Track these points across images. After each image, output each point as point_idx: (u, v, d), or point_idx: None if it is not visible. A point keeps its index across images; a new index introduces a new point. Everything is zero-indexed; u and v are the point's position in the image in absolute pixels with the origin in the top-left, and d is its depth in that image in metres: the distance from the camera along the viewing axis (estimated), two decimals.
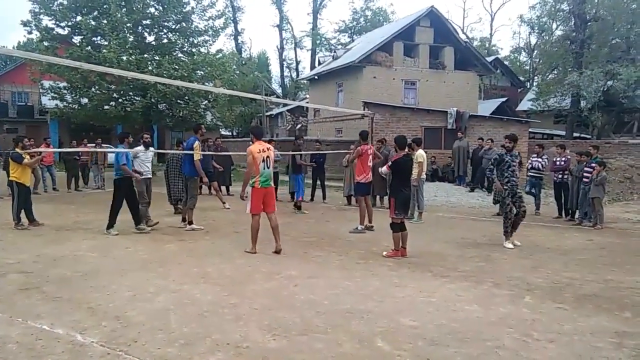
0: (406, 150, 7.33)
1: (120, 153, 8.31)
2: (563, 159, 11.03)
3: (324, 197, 13.29)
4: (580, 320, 4.51)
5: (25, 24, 22.40)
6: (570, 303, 5.00)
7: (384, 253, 6.95)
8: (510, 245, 7.71)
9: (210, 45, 25.50)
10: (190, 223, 8.84)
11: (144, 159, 8.98)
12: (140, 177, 8.68)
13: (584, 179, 10.05)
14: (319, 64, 32.94)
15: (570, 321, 4.47)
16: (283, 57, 52.95)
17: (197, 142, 8.74)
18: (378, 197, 12.05)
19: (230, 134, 40.02)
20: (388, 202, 7.19)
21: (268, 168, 7.00)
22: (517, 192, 7.85)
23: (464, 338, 4.02)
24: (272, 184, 7.22)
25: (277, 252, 6.96)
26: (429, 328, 4.23)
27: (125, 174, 8.31)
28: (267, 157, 6.99)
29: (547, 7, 30.32)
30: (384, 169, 7.23)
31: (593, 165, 9.99)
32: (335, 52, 31.24)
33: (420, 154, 10.05)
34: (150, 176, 9.13)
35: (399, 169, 7.03)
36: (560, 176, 11.03)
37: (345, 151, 12.95)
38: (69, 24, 22.97)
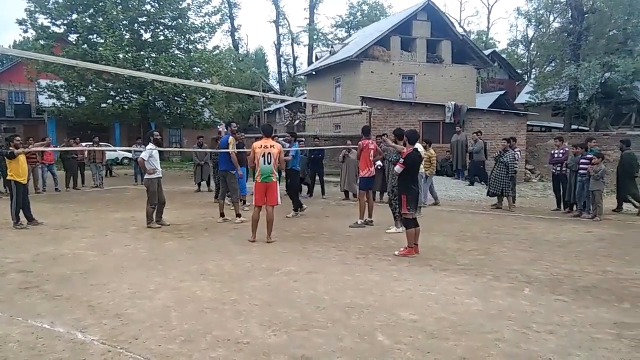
0: (416, 145, 7.16)
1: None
2: (561, 151, 11.04)
3: (323, 193, 13.30)
4: (580, 311, 4.53)
5: (20, 22, 22.35)
6: (569, 295, 5.01)
7: (396, 252, 6.68)
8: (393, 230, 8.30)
9: (207, 41, 25.52)
10: (239, 215, 9.25)
11: (157, 157, 8.93)
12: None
13: (581, 171, 10.08)
14: (316, 59, 32.88)
15: (569, 313, 4.48)
16: (280, 53, 52.84)
17: (230, 137, 9.38)
18: (378, 192, 12.05)
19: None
20: (398, 198, 7.08)
21: (268, 164, 7.33)
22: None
23: (463, 331, 4.04)
24: (274, 179, 7.47)
25: (268, 242, 7.41)
26: (429, 321, 4.24)
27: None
28: (268, 153, 7.33)
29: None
30: (396, 168, 6.91)
31: (589, 157, 10.02)
32: (332, 47, 31.16)
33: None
34: (160, 175, 9.01)
35: (410, 164, 6.82)
36: (558, 168, 11.04)
37: (343, 146, 12.96)
38: (65, 22, 22.90)
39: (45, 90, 24.16)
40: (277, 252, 6.86)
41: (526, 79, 39.09)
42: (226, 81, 25.89)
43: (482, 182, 14.56)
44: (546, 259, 6.53)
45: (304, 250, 6.97)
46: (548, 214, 10.66)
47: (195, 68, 23.91)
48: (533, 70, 39.60)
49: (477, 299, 4.83)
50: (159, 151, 9.22)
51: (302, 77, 38.77)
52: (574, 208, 10.62)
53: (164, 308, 4.54)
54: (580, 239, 7.98)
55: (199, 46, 24.97)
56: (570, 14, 25.75)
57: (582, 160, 10.13)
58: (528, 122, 19.79)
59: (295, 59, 53.95)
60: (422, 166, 10.06)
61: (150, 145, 8.88)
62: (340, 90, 25.77)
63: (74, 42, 23.25)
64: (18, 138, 9.29)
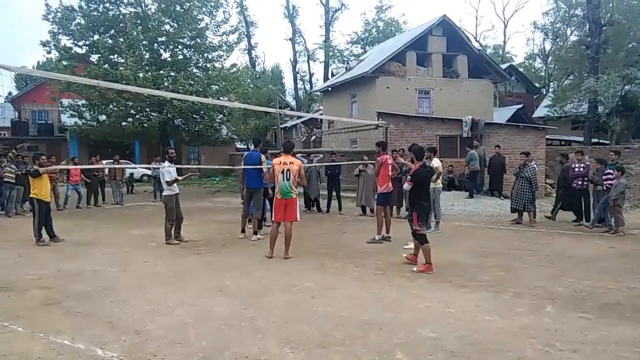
0: (424, 160, 7.20)
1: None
2: (582, 165, 10.88)
3: (340, 208, 13.27)
4: (604, 329, 4.41)
5: (44, 44, 22.97)
6: (593, 312, 4.89)
7: (415, 268, 6.63)
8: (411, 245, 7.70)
9: (225, 60, 25.91)
10: (256, 233, 9.17)
11: (174, 174, 9.02)
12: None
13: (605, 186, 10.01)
14: (332, 75, 33.11)
15: (593, 331, 4.37)
16: (296, 70, 53.37)
17: (263, 156, 9.23)
18: (395, 207, 11.98)
19: (245, 147, 40.26)
20: (409, 215, 7.07)
21: (287, 180, 7.35)
22: None
23: (485, 349, 3.96)
24: (294, 196, 7.47)
25: (285, 258, 7.39)
26: (449, 339, 4.17)
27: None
28: (288, 170, 7.36)
29: (560, 13, 30.12)
30: (405, 186, 7.00)
31: (608, 171, 9.95)
32: (348, 63, 31.36)
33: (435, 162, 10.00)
34: (178, 192, 9.09)
35: (418, 180, 6.85)
36: (579, 183, 10.88)
37: (360, 162, 12.96)
38: (87, 43, 23.49)
39: (68, 109, 24.71)
40: (295, 268, 6.84)
41: (544, 93, 38.79)
42: (243, 98, 26.18)
43: (503, 197, 14.38)
44: (569, 275, 6.39)
45: (322, 267, 6.94)
46: (569, 229, 10.46)
47: (213, 86, 24.25)
48: (551, 83, 39.30)
49: (499, 317, 4.75)
50: (177, 168, 9.32)
51: (319, 93, 39.03)
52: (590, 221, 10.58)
53: (183, 325, 4.55)
54: (603, 255, 7.81)
55: (216, 64, 25.38)
56: (587, 27, 25.59)
57: (605, 177, 10.07)
58: (547, 136, 19.56)
59: (311, 75, 54.48)
60: (439, 181, 10.04)
61: (166, 163, 9.00)
62: (356, 106, 25.84)
63: (96, 62, 23.81)
64: (43, 157, 9.50)
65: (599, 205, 10.17)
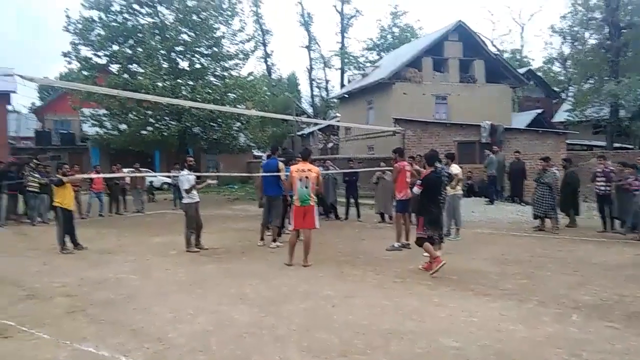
0: (437, 165, 7.18)
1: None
2: (608, 169, 10.69)
3: (359, 215, 13.24)
4: (632, 339, 4.31)
5: (65, 54, 23.45)
6: (620, 321, 4.78)
7: (427, 269, 6.71)
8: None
9: (241, 68, 26.13)
10: (275, 240, 9.19)
11: (193, 182, 9.08)
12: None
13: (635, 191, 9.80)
14: (348, 82, 33.15)
15: (621, 340, 4.27)
16: (312, 77, 53.59)
17: (281, 163, 9.19)
18: (413, 214, 11.90)
19: (263, 154, 40.45)
20: (417, 220, 7.06)
21: (306, 188, 7.37)
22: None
23: (509, 359, 3.89)
24: (312, 203, 7.46)
25: (304, 266, 7.37)
26: (472, 349, 4.12)
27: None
28: (306, 177, 7.39)
29: (578, 16, 29.67)
30: (415, 190, 7.03)
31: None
32: (364, 70, 31.39)
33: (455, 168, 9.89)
34: (198, 200, 9.13)
35: (428, 185, 6.84)
36: (603, 188, 10.67)
37: (377, 169, 12.92)
38: (107, 53, 23.91)
39: (89, 118, 25.14)
40: (314, 275, 6.83)
41: (564, 97, 38.26)
42: (260, 106, 26.36)
43: (524, 203, 14.19)
44: (594, 283, 6.26)
45: (341, 274, 6.92)
46: (594, 236, 10.25)
47: (230, 94, 24.47)
48: (570, 87, 38.75)
49: (523, 326, 4.67)
50: (197, 176, 9.40)
51: (335, 100, 39.12)
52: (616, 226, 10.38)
53: (204, 332, 4.57)
54: (629, 262, 7.64)
55: (233, 73, 25.61)
56: (607, 30, 25.22)
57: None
58: (568, 141, 19.30)
59: (327, 82, 54.67)
60: (458, 187, 9.92)
61: (186, 171, 9.08)
62: (373, 113, 25.83)
63: (116, 72, 24.22)
64: (66, 166, 9.68)
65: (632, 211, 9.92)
